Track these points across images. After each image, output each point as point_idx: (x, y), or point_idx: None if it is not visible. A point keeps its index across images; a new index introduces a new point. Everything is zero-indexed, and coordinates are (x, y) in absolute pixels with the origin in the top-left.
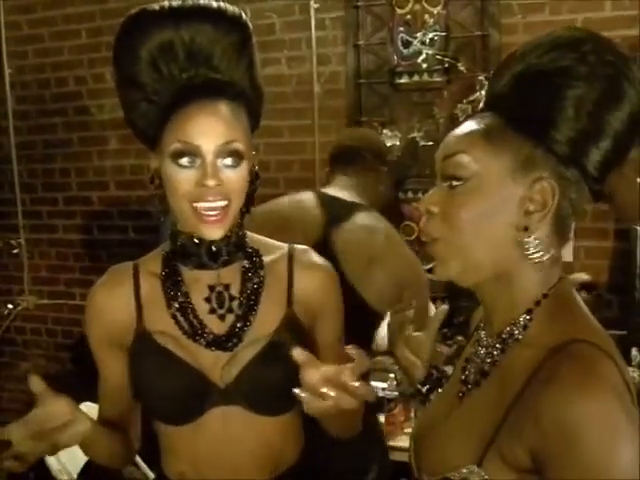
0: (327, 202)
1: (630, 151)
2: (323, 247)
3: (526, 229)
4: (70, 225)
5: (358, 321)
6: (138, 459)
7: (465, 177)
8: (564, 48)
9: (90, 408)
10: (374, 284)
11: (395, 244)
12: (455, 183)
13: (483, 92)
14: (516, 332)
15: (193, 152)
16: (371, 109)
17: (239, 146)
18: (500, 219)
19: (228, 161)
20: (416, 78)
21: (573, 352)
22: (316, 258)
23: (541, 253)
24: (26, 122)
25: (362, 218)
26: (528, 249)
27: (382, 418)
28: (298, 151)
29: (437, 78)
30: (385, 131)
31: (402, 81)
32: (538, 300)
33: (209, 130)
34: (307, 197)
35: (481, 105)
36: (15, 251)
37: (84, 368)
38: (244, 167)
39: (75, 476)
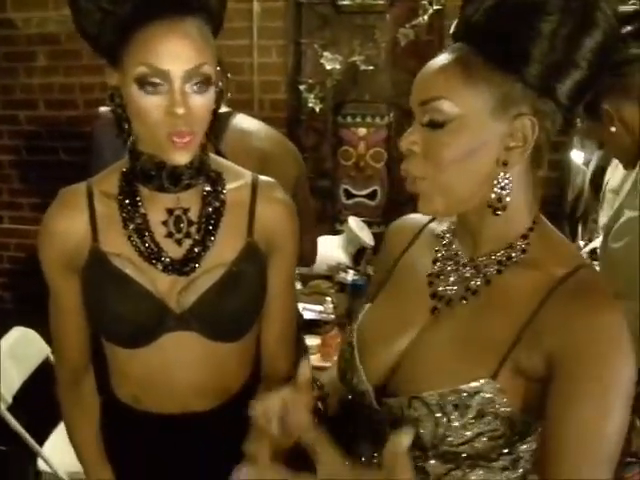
0: None
1: (601, 78)
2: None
3: (505, 164)
4: None
5: None
6: None
7: (446, 121)
8: None
9: (22, 332)
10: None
11: (279, 138)
12: (436, 125)
13: (426, 17)
14: (514, 255)
15: (161, 77)
16: (311, 30)
17: (208, 70)
18: (482, 156)
19: (196, 87)
20: (359, 0)
21: (586, 274)
22: (279, 193)
23: (507, 191)
24: None
25: (239, 122)
26: (497, 184)
27: (318, 340)
28: (235, 72)
29: (380, 1)
30: (325, 53)
31: (344, 2)
32: (530, 227)
33: (178, 53)
34: None
35: (452, 29)
36: None
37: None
38: (211, 92)
39: (10, 400)
